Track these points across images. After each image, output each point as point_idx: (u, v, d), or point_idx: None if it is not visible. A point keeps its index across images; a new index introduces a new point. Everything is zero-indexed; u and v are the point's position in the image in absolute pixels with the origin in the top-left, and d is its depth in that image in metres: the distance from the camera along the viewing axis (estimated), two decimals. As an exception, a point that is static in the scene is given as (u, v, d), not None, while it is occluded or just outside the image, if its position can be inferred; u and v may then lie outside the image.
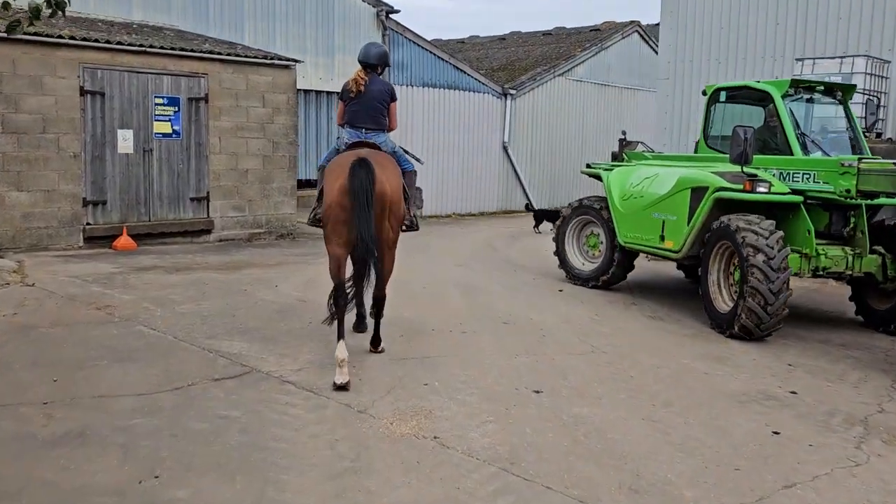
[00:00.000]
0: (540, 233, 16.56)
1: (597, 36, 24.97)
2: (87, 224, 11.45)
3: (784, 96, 8.57)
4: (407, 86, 19.37)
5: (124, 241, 11.51)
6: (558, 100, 23.18)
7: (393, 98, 6.78)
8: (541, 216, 17.26)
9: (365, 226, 5.71)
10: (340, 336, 5.80)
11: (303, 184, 17.69)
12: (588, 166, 10.82)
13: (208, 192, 12.57)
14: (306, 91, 17.47)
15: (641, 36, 25.53)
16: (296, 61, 13.55)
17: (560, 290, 10.06)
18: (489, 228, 17.60)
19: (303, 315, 7.97)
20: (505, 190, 22.04)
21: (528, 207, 20.36)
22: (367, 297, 7.04)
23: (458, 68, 20.44)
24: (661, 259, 10.23)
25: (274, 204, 13.40)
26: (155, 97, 11.84)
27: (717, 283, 8.28)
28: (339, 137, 6.88)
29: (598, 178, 10.39)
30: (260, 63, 12.96)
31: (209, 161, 12.53)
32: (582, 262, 10.55)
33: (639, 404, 5.71)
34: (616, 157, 11.05)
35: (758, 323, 7.48)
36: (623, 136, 11.22)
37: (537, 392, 5.84)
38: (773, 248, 7.44)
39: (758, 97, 8.98)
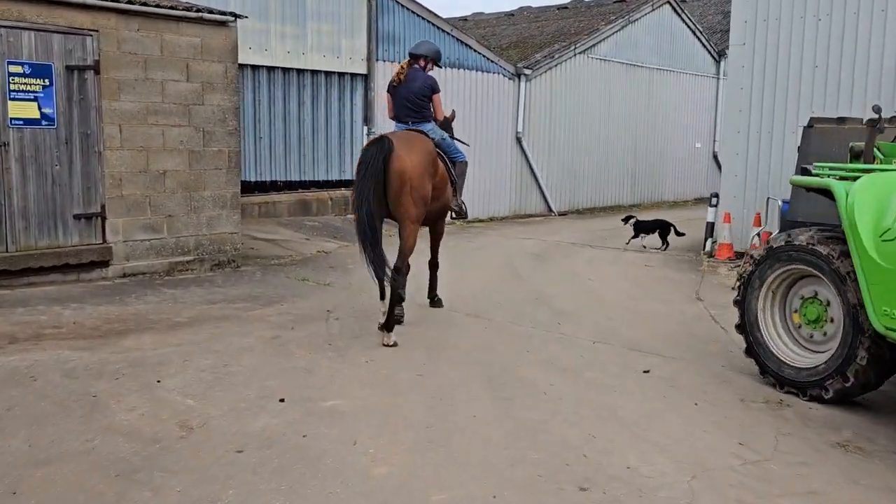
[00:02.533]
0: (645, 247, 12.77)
1: (622, 8, 20.69)
2: None
3: None
4: (399, 63, 15.10)
5: (-41, 284, 7.29)
6: (580, 82, 18.91)
7: (434, 91, 6.71)
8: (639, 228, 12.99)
9: (366, 193, 5.75)
10: (382, 297, 6.20)
11: (266, 187, 13.45)
12: (805, 171, 5.82)
13: (104, 206, 8.31)
14: (270, 68, 13.24)
15: (673, 8, 21.25)
16: (235, 16, 9.26)
17: (646, 372, 5.85)
18: (504, 241, 13.36)
19: (174, 482, 3.74)
20: (519, 190, 17.79)
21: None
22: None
23: (461, 42, 16.17)
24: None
25: (207, 220, 9.15)
26: (9, 64, 7.59)
27: None
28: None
29: (826, 193, 5.34)
30: (181, 17, 8.67)
31: (104, 160, 8.26)
32: (791, 351, 5.53)
33: None
34: (859, 153, 5.77)
35: None
36: (877, 114, 5.68)
37: None
38: None
39: None
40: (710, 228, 12.03)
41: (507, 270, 10.26)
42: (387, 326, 6.09)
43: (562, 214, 18.45)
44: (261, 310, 7.37)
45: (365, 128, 14.70)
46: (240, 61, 12.74)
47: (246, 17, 9.85)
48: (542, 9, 23.81)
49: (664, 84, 21.34)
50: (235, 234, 9.37)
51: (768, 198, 9.88)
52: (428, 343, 6.36)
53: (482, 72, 16.58)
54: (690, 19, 21.80)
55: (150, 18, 8.44)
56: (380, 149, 5.83)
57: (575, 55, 18.62)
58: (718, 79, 23.21)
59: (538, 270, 10.34)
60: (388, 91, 6.83)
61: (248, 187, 13.17)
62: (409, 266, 6.76)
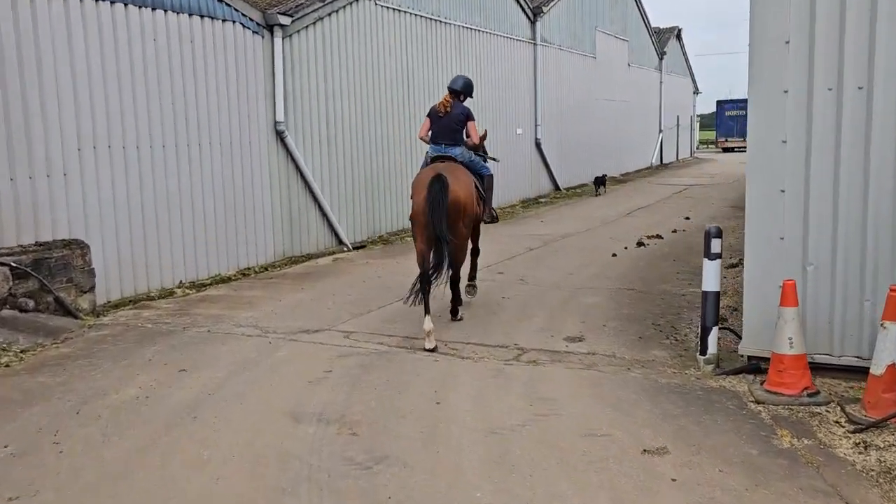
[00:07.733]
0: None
1: (415, -61, 13.78)
2: None
3: None
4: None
5: None
6: (368, 41, 11.78)
7: (469, 118, 7.19)
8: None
9: (439, 228, 6.21)
10: (427, 312, 6.14)
11: None
12: None
13: None
14: None
15: (481, -54, 14.80)
16: None
17: None
18: (266, 356, 5.92)
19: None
20: (287, 218, 10.29)
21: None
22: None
23: (155, -41, 8.29)
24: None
25: None
26: None
27: None
28: (427, 153, 7.29)
29: None
30: None
31: None
32: None
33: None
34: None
35: None
36: None
37: None
38: None
39: None
40: (714, 306, 5.41)
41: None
42: (452, 312, 6.90)
43: (359, 248, 11.28)
44: None
45: None
46: None
47: None
48: (300, -52, 16.19)
49: (475, 48, 14.87)
50: None
51: None
52: None
53: (204, 17, 8.84)
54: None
55: None
56: (442, 186, 6.27)
57: (358, 0, 11.43)
58: (535, 45, 17.26)
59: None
60: (428, 115, 7.22)
61: None
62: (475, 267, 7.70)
